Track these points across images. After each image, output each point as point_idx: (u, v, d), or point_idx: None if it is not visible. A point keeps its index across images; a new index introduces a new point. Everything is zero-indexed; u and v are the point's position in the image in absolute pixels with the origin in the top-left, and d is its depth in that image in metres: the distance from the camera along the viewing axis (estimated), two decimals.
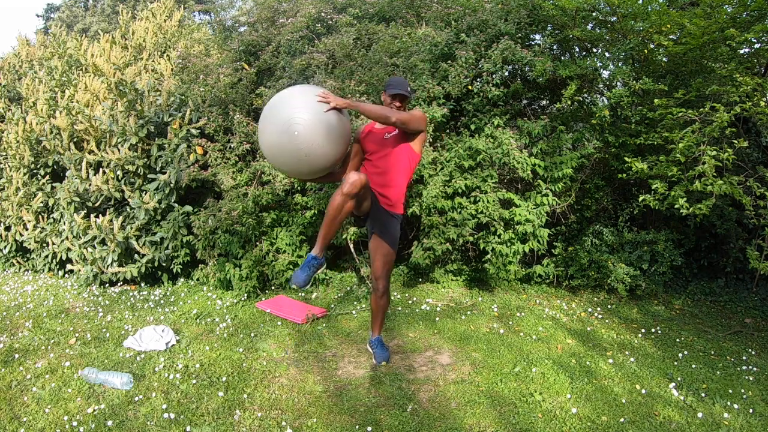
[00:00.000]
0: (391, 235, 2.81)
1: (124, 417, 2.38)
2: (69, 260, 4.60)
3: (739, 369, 3.01)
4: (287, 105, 2.55)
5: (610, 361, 3.01)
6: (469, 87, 4.03)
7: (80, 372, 2.76)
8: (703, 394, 2.67)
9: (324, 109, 2.52)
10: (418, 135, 2.76)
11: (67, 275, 4.77)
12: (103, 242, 4.35)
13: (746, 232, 4.26)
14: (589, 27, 4.25)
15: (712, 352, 3.25)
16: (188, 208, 4.21)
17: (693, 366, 3.01)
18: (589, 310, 3.90)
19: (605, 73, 4.24)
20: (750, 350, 3.30)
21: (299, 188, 4.27)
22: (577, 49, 4.52)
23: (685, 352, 3.20)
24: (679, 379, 2.84)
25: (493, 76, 4.01)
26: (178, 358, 2.97)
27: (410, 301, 3.98)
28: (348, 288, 4.23)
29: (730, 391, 2.73)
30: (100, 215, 4.41)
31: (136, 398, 2.53)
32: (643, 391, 2.68)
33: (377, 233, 2.81)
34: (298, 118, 2.47)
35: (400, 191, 2.81)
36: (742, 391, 2.74)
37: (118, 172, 4.39)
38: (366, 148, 2.83)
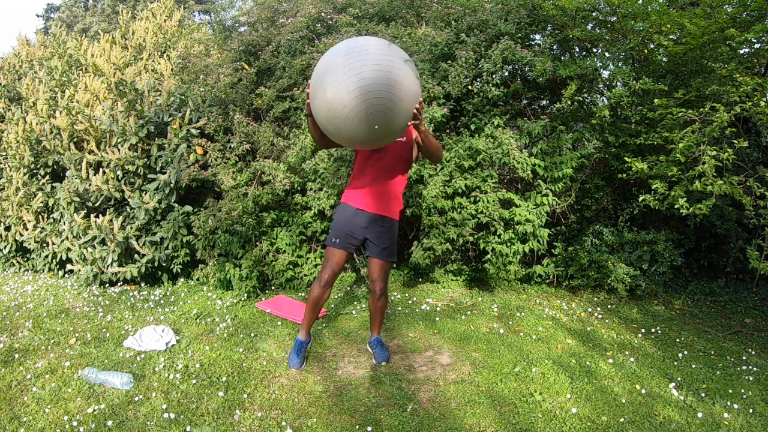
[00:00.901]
0: (390, 242, 2.84)
1: (124, 417, 2.38)
2: (69, 260, 4.60)
3: (739, 369, 3.01)
4: (395, 55, 2.26)
5: (610, 361, 3.01)
6: (469, 87, 4.03)
7: (80, 372, 2.76)
8: (703, 394, 2.67)
9: (410, 121, 2.35)
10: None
11: (67, 275, 4.77)
12: (103, 242, 4.35)
13: (746, 232, 4.26)
14: (589, 27, 4.25)
15: (712, 352, 3.25)
16: (188, 208, 4.22)
17: (693, 366, 3.01)
18: (589, 310, 3.90)
19: (605, 73, 4.24)
20: (750, 350, 3.30)
21: (299, 188, 4.27)
22: (577, 49, 4.52)
23: (685, 352, 3.20)
24: (679, 379, 2.84)
25: (493, 76, 4.01)
26: (178, 358, 2.97)
27: (410, 301, 3.98)
28: (348, 288, 4.23)
29: (730, 391, 2.73)
30: (100, 215, 4.41)
31: (136, 398, 2.53)
32: (643, 391, 2.68)
33: (374, 242, 2.83)
34: (399, 75, 2.19)
35: (400, 201, 2.89)
36: (742, 391, 2.74)
37: (118, 172, 4.39)
38: (369, 154, 2.81)
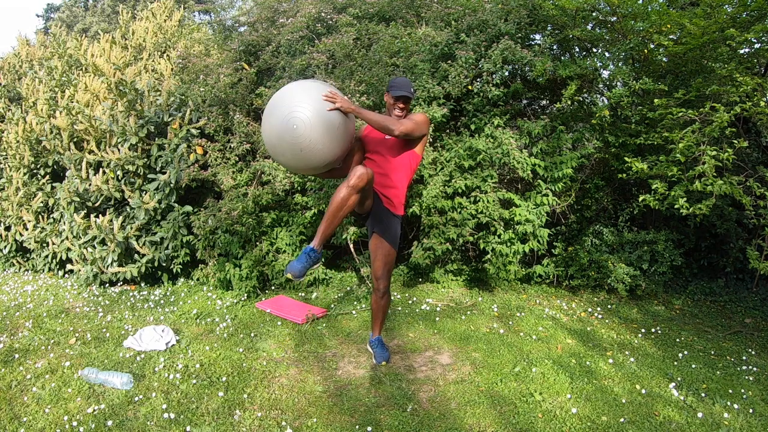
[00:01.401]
0: (392, 235, 2.81)
1: (124, 417, 2.38)
2: (69, 260, 4.60)
3: (739, 369, 3.01)
4: (290, 98, 2.52)
5: (610, 361, 3.01)
6: (469, 87, 4.03)
7: (80, 372, 2.76)
8: (703, 394, 2.67)
9: (327, 108, 2.48)
10: (421, 138, 2.77)
11: (67, 275, 4.77)
12: (103, 242, 4.35)
13: (746, 232, 4.26)
14: (589, 27, 4.25)
15: (712, 352, 3.25)
16: (188, 208, 4.22)
17: (693, 366, 3.01)
18: (589, 310, 3.90)
19: (605, 73, 4.24)
20: (750, 350, 3.30)
21: (299, 188, 4.27)
22: (577, 49, 4.51)
23: (685, 352, 3.20)
24: (679, 379, 2.84)
25: (493, 76, 4.01)
26: (178, 358, 2.97)
27: (410, 301, 3.98)
28: (348, 288, 4.23)
29: (730, 391, 2.73)
30: (100, 215, 4.41)
31: (136, 398, 2.53)
32: (643, 391, 2.68)
33: (378, 233, 2.81)
34: (298, 112, 2.45)
35: (402, 192, 2.82)
36: (742, 391, 2.74)
37: (118, 172, 4.39)
38: (367, 148, 2.83)
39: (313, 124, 2.45)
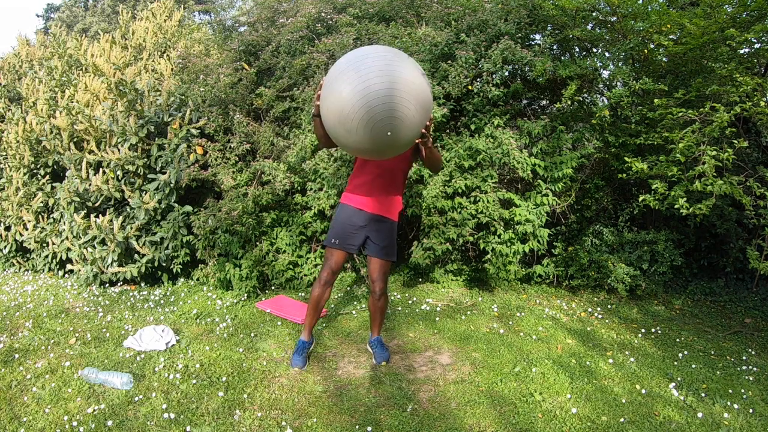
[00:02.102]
0: (389, 241, 2.84)
1: (124, 417, 2.38)
2: (69, 260, 4.60)
3: (739, 369, 3.01)
4: (413, 79, 2.18)
5: (610, 361, 3.01)
6: (469, 87, 4.03)
7: (80, 372, 2.76)
8: (703, 394, 2.67)
9: (417, 139, 2.32)
10: None
11: (67, 275, 4.76)
12: (103, 242, 4.35)
13: (746, 232, 4.26)
14: (589, 27, 4.25)
15: (712, 352, 3.25)
16: (188, 208, 4.22)
17: (693, 366, 3.01)
18: (589, 310, 3.90)
19: (605, 73, 4.24)
20: (750, 350, 3.30)
21: (299, 188, 4.27)
22: (577, 49, 4.51)
23: (685, 352, 3.20)
24: (679, 379, 2.84)
25: (493, 76, 4.01)
26: (178, 358, 2.97)
27: (410, 301, 3.98)
28: (348, 288, 4.23)
29: (730, 391, 2.73)
30: (100, 215, 4.41)
31: (136, 398, 2.53)
32: (643, 391, 2.68)
33: (374, 240, 2.83)
34: (408, 106, 2.13)
35: (400, 198, 2.89)
36: (742, 391, 2.74)
37: (118, 172, 4.39)
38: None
39: (405, 131, 2.19)
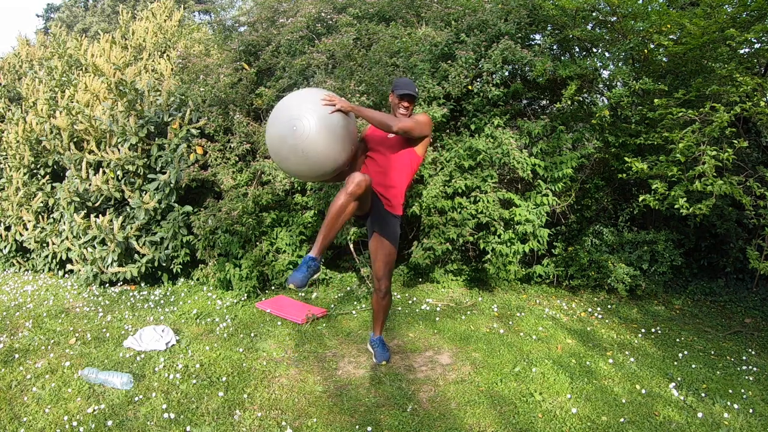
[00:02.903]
0: (392, 235, 2.81)
1: (124, 417, 2.38)
2: (69, 260, 4.60)
3: (739, 369, 3.01)
4: (292, 104, 2.55)
5: (610, 361, 3.01)
6: (469, 87, 4.03)
7: (80, 372, 2.76)
8: (703, 394, 2.67)
9: (328, 111, 2.50)
10: (422, 139, 2.77)
11: (67, 275, 4.76)
12: (103, 242, 4.35)
13: (746, 232, 4.26)
14: (589, 27, 4.25)
15: (712, 352, 3.25)
16: (188, 208, 4.22)
17: (693, 366, 3.01)
18: (589, 310, 3.90)
19: (605, 73, 4.24)
20: (750, 350, 3.30)
21: (299, 188, 4.27)
22: (577, 49, 4.51)
23: (685, 352, 3.20)
24: (679, 379, 2.84)
25: (493, 76, 4.01)
26: (178, 358, 2.97)
27: (410, 301, 3.98)
28: (348, 288, 4.23)
29: (730, 391, 2.73)
30: (100, 215, 4.41)
31: (136, 398, 2.53)
32: (643, 391, 2.68)
33: (378, 233, 2.81)
34: (300, 116, 2.47)
35: (401, 192, 2.82)
36: (742, 391, 2.74)
37: (118, 172, 4.39)
38: (369, 146, 2.84)
39: (318, 129, 2.46)
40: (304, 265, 2.50)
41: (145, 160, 4.37)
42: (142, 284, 4.44)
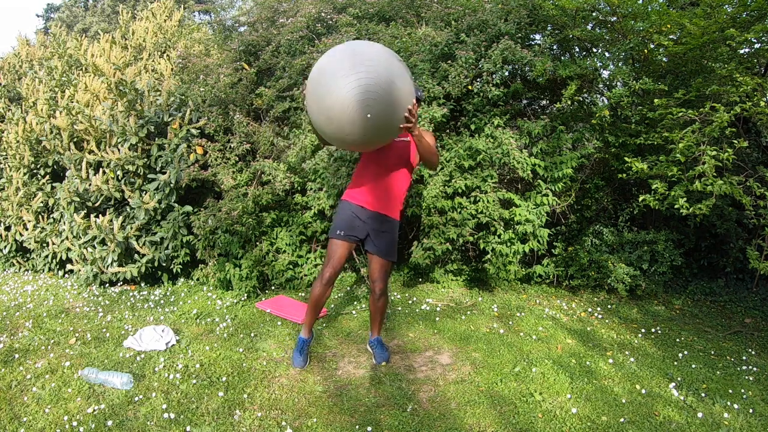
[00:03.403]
0: (389, 238, 2.83)
1: (124, 417, 2.38)
2: (69, 260, 4.60)
3: (739, 369, 3.01)
4: (398, 70, 2.30)
5: (610, 361, 3.01)
6: (469, 87, 4.03)
7: (80, 372, 2.76)
8: (703, 394, 2.67)
9: (401, 124, 2.37)
10: None
11: (67, 275, 4.76)
12: (103, 242, 4.35)
13: (746, 232, 4.26)
14: (589, 27, 4.25)
15: (712, 352, 3.25)
16: (188, 208, 4.22)
17: (693, 366, 3.01)
18: (589, 310, 3.90)
19: (605, 73, 4.24)
20: (750, 350, 3.30)
21: (299, 188, 4.27)
22: (577, 49, 4.51)
23: (685, 352, 3.20)
24: (679, 379, 2.84)
25: (493, 76, 4.01)
26: (178, 358, 2.97)
27: (410, 301, 3.98)
28: (348, 288, 4.23)
29: (730, 391, 2.73)
30: (100, 215, 4.41)
31: (136, 398, 2.53)
32: (643, 391, 2.68)
33: (375, 235, 2.82)
34: (377, 105, 2.22)
35: (401, 198, 2.87)
36: (742, 391, 2.74)
37: (118, 172, 4.39)
38: (369, 151, 2.83)
39: (376, 127, 2.29)
40: (301, 347, 2.93)
41: (145, 160, 4.37)
42: (142, 284, 4.44)
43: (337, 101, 2.24)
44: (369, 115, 2.22)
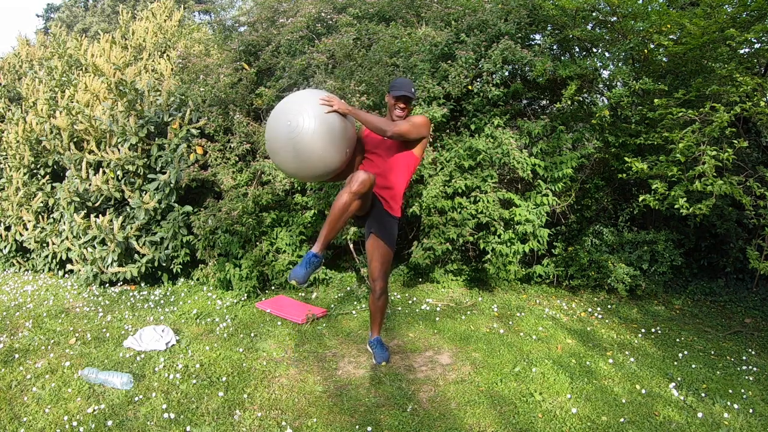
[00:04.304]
0: (389, 237, 2.82)
1: (124, 417, 2.38)
2: (69, 260, 4.60)
3: (739, 369, 3.01)
4: (291, 103, 2.57)
5: (610, 361, 3.01)
6: (469, 87, 4.03)
7: (80, 372, 2.76)
8: (703, 394, 2.67)
9: (325, 111, 2.52)
10: (420, 140, 2.76)
11: (67, 275, 4.76)
12: (103, 242, 4.35)
13: (746, 232, 4.26)
14: (589, 27, 4.25)
15: (712, 352, 3.25)
16: (188, 208, 4.22)
17: (693, 366, 3.01)
18: (589, 310, 3.90)
19: (605, 73, 4.24)
20: (750, 350, 3.30)
21: (299, 188, 4.27)
22: (577, 49, 4.51)
23: (685, 352, 3.20)
24: (679, 379, 2.84)
25: (493, 76, 4.01)
26: (178, 358, 2.97)
27: (410, 301, 3.98)
28: (348, 288, 4.23)
29: (730, 391, 2.73)
30: (100, 215, 4.41)
31: (136, 398, 2.53)
32: (643, 391, 2.68)
33: (375, 234, 2.81)
34: (298, 113, 2.48)
35: (399, 193, 2.82)
36: (742, 391, 2.74)
37: (118, 172, 4.39)
38: (366, 148, 2.84)
39: (315, 128, 2.47)
40: (306, 261, 2.55)
41: (145, 160, 4.37)
42: (142, 284, 4.44)
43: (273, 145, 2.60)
44: (289, 122, 2.48)
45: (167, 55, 5.78)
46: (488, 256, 4.00)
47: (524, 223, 3.85)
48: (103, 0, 21.21)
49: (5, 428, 2.31)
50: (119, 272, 4.28)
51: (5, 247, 5.11)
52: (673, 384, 2.76)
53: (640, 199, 3.58)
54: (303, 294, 4.12)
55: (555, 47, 4.51)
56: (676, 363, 3.05)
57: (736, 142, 3.21)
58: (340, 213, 2.50)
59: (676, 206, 3.32)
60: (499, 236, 3.92)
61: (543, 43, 4.15)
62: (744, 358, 3.18)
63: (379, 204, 2.77)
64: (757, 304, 4.08)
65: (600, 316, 3.78)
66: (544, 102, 4.78)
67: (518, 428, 2.34)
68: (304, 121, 2.47)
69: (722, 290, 4.35)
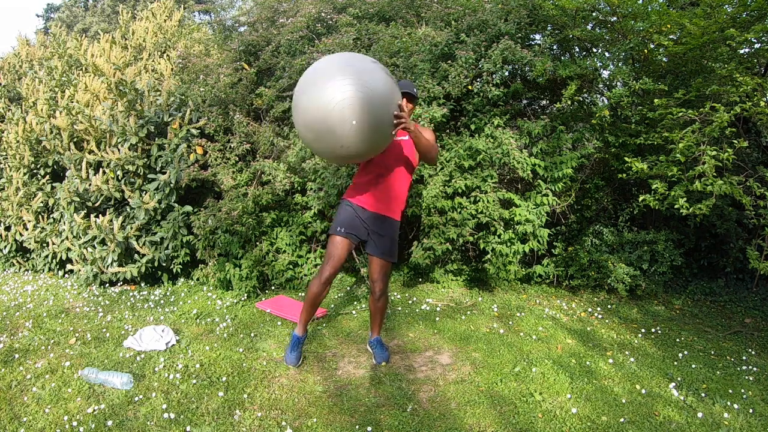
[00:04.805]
0: (389, 238, 2.83)
1: (124, 417, 2.38)
2: (69, 260, 4.60)
3: (739, 369, 3.01)
4: (368, 71, 2.28)
5: (610, 361, 3.01)
6: (469, 87, 4.03)
7: (80, 372, 2.76)
8: (703, 394, 2.67)
9: (392, 131, 2.39)
10: None
11: (67, 275, 4.76)
12: (103, 242, 4.35)
13: (746, 232, 4.26)
14: (589, 27, 4.25)
15: (712, 352, 3.25)
16: (188, 208, 4.22)
17: (693, 366, 3.01)
18: (589, 310, 3.90)
19: (605, 73, 4.24)
20: (750, 350, 3.30)
21: (299, 188, 4.27)
22: (577, 49, 4.51)
23: (685, 352, 3.20)
24: (679, 379, 2.84)
25: (493, 76, 4.01)
26: (178, 358, 2.97)
27: (410, 301, 3.98)
28: (348, 288, 4.23)
29: (730, 391, 2.73)
30: (100, 215, 4.41)
31: (136, 398, 2.53)
32: (643, 391, 2.68)
33: (375, 235, 2.82)
34: (359, 88, 2.19)
35: (402, 198, 2.87)
36: (742, 391, 2.74)
37: (118, 172, 4.39)
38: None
39: (369, 137, 2.29)
40: (294, 345, 2.92)
41: (145, 160, 4.37)
42: (142, 284, 4.44)
43: (319, 115, 2.24)
44: (354, 122, 2.20)
45: (167, 55, 5.78)
46: (488, 256, 4.00)
47: (524, 223, 3.85)
48: (103, 0, 21.22)
49: (5, 428, 2.31)
50: (119, 272, 4.28)
51: (5, 247, 5.11)
52: (673, 384, 2.76)
53: (640, 199, 3.58)
54: (303, 294, 4.12)
55: (555, 47, 4.51)
56: (676, 363, 3.05)
57: (736, 142, 3.21)
58: (313, 300, 2.82)
59: (676, 206, 3.32)
60: (499, 236, 3.92)
61: (543, 43, 4.15)
62: (744, 358, 3.18)
63: (376, 218, 2.80)
64: (757, 304, 4.08)
65: (600, 316, 3.78)
66: (544, 102, 4.78)
67: (518, 428, 2.34)
68: (360, 123, 2.22)
69: (722, 290, 4.35)
